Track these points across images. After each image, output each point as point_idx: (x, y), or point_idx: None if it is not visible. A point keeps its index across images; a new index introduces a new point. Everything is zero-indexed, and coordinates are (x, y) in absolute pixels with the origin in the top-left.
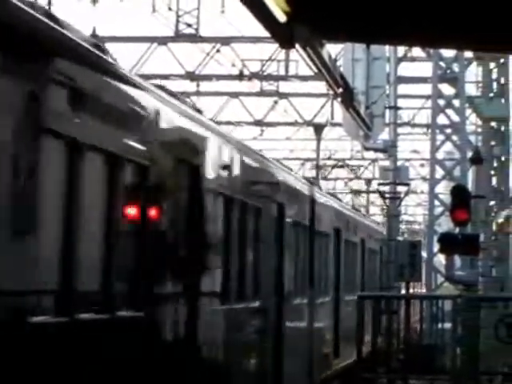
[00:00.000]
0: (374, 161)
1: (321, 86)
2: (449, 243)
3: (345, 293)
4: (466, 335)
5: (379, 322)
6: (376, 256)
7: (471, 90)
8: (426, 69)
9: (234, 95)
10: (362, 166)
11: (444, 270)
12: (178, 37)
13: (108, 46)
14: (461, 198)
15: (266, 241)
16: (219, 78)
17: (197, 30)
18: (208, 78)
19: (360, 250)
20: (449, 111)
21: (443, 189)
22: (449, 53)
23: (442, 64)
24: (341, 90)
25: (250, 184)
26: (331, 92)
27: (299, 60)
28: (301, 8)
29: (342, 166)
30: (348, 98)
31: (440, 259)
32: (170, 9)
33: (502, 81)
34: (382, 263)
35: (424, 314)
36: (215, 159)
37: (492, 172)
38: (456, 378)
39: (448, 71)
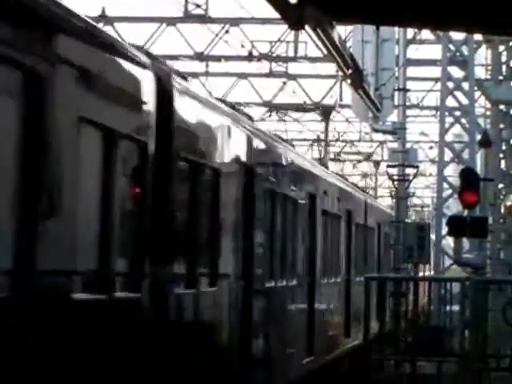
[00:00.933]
0: (382, 143)
1: (329, 68)
2: (457, 226)
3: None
4: (474, 318)
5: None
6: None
7: (480, 72)
8: (435, 51)
9: (243, 76)
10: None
11: (452, 252)
12: (187, 17)
13: (117, 26)
14: (469, 180)
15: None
16: (228, 58)
17: (206, 10)
18: (217, 58)
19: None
20: (458, 94)
21: (452, 171)
22: (458, 36)
23: (452, 47)
24: (350, 71)
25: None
26: (340, 73)
27: (308, 41)
28: None
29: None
30: (357, 79)
31: (448, 242)
32: None
33: None
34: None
35: (432, 296)
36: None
37: (501, 155)
38: (464, 360)
39: (457, 54)
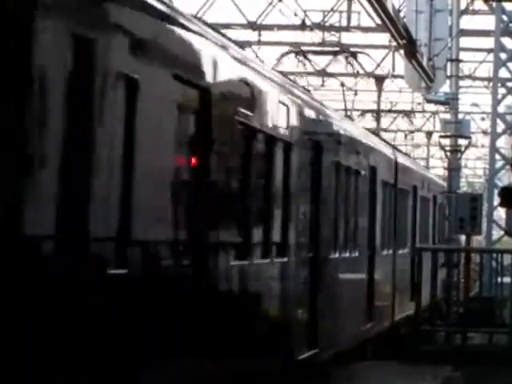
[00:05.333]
0: (434, 113)
1: (382, 38)
2: (509, 197)
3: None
4: None
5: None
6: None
7: None
8: (488, 22)
9: (296, 46)
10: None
11: (504, 224)
12: None
13: None
14: None
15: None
16: (281, 28)
17: None
18: (270, 27)
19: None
20: (510, 65)
21: (504, 143)
22: (511, 6)
23: (505, 17)
24: (404, 41)
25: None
26: (393, 44)
27: (361, 11)
28: None
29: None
30: (411, 49)
31: (500, 213)
32: None
33: None
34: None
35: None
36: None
37: None
38: None
39: (510, 25)
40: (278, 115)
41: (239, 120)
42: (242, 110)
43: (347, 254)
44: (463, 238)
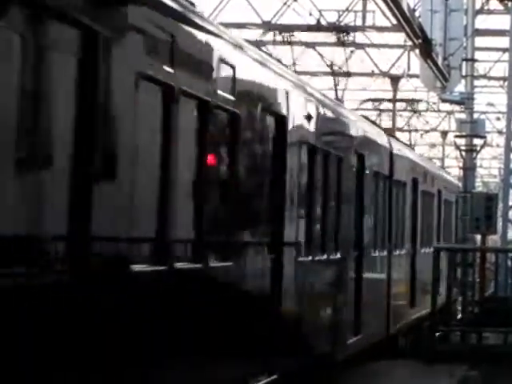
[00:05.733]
0: (449, 113)
1: (397, 37)
2: None
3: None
4: None
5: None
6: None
7: None
8: (503, 22)
9: (311, 45)
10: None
11: None
12: None
13: None
14: None
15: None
16: (296, 27)
17: None
18: (285, 27)
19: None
20: None
21: None
22: None
23: None
24: (419, 40)
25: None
26: (408, 43)
27: (376, 10)
28: None
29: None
30: (426, 49)
31: None
32: None
33: None
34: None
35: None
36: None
37: None
38: None
39: None
40: None
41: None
42: None
43: (324, 257)
44: (478, 237)
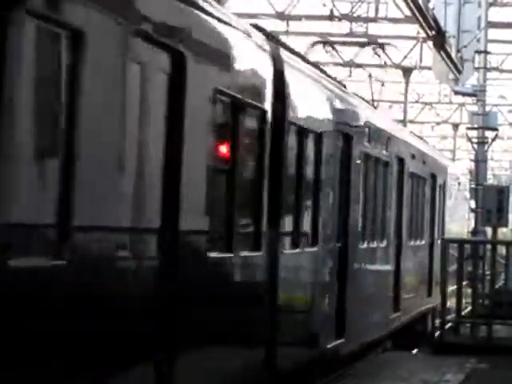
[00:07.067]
0: (461, 105)
1: (410, 29)
2: None
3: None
4: None
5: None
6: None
7: None
8: None
9: (323, 36)
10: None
11: None
12: None
13: None
14: None
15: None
16: (309, 18)
17: None
18: (297, 18)
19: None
20: None
21: None
22: None
23: None
24: (433, 32)
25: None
26: (421, 35)
27: (389, 2)
28: None
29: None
30: (440, 41)
31: None
32: None
33: None
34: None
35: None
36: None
37: None
38: None
39: None
40: None
41: None
42: None
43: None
44: (488, 229)
